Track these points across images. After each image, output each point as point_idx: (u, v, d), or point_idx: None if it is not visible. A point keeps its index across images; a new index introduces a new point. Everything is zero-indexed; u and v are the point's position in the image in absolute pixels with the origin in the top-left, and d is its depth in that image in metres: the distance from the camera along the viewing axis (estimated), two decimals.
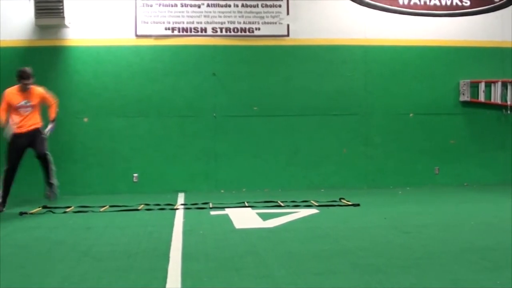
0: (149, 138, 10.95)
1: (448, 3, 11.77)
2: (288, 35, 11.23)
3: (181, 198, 9.82)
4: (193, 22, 11.04)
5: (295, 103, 11.25)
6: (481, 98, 11.68)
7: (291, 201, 9.02)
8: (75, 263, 4.95)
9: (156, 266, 4.81)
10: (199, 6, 11.04)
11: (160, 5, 10.94)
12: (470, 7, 11.84)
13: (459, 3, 11.80)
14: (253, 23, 11.16)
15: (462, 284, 4.18)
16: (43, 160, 8.88)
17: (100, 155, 10.82)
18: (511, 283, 4.17)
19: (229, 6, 11.12)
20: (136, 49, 10.92)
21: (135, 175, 10.88)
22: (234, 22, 11.13)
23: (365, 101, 11.47)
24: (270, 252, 5.32)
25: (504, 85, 11.76)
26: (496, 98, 11.74)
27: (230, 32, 11.12)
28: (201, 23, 11.05)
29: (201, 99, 11.05)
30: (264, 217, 7.53)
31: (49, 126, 9.01)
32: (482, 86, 11.68)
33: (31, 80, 8.77)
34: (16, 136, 8.65)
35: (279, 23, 11.21)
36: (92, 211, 8.32)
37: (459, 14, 11.82)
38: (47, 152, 8.90)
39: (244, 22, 11.15)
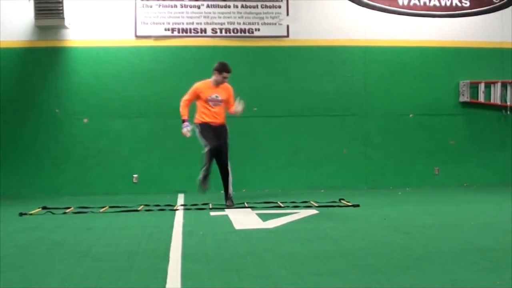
0: (149, 139, 10.96)
1: (448, 3, 11.78)
2: (287, 35, 11.24)
3: (181, 199, 9.82)
4: (192, 23, 11.05)
5: (295, 103, 11.26)
6: (481, 98, 11.69)
7: (291, 202, 9.02)
8: (75, 264, 4.94)
9: (156, 266, 4.81)
10: (198, 7, 11.05)
11: (159, 6, 10.96)
12: (470, 7, 11.85)
13: (459, 4, 11.81)
14: (252, 23, 11.17)
15: (462, 284, 4.18)
16: (223, 171, 9.00)
17: (100, 156, 10.83)
18: (511, 284, 4.16)
19: (229, 7, 11.13)
20: (136, 50, 10.93)
21: (135, 175, 10.89)
22: (233, 23, 11.14)
23: (365, 102, 11.48)
24: (270, 253, 5.32)
25: (504, 85, 11.77)
26: (495, 98, 11.75)
27: (229, 32, 11.13)
28: (200, 23, 11.07)
29: None
30: (264, 217, 7.53)
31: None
32: (481, 87, 11.69)
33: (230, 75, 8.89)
34: (206, 125, 8.83)
35: (279, 23, 11.22)
36: (92, 212, 8.32)
37: (458, 15, 11.84)
38: (228, 162, 8.98)
39: (243, 23, 11.16)
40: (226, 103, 9.04)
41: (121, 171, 10.88)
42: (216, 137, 8.80)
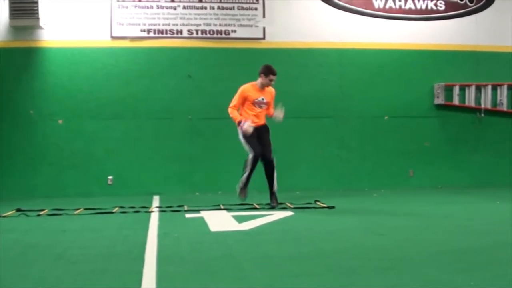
0: (124, 141, 10.91)
1: (423, 7, 11.87)
2: (264, 38, 11.26)
3: (156, 201, 9.78)
4: (168, 24, 11.01)
5: None
6: (455, 101, 11.79)
7: (266, 204, 9.02)
8: (49, 266, 4.91)
9: (131, 269, 4.78)
10: (175, 8, 11.02)
11: (135, 6, 10.91)
12: (445, 11, 11.96)
13: (434, 7, 11.91)
14: (229, 25, 11.17)
15: (436, 285, 4.21)
16: (268, 166, 8.96)
17: (75, 158, 10.75)
18: (484, 284, 4.21)
19: (205, 8, 11.11)
20: (111, 51, 10.87)
21: (110, 177, 10.83)
22: (210, 24, 11.13)
23: (340, 104, 11.53)
24: (245, 255, 5.32)
25: (478, 88, 11.89)
26: (470, 101, 11.87)
27: (206, 34, 11.11)
28: (177, 25, 11.04)
29: (177, 101, 11.03)
30: (240, 219, 7.52)
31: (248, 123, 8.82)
32: (456, 90, 11.79)
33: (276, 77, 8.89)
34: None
35: (255, 25, 11.23)
36: (67, 214, 8.26)
37: (434, 18, 11.94)
38: (274, 158, 8.96)
39: (220, 24, 11.16)
40: (268, 105, 9.07)
41: (96, 173, 10.82)
42: (259, 141, 8.87)
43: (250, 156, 8.83)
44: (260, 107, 8.96)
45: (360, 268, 4.75)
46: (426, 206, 8.94)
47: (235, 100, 8.94)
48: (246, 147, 8.87)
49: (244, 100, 8.93)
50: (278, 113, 8.98)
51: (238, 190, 8.95)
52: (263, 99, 8.94)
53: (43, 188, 10.56)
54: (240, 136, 8.87)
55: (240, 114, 8.89)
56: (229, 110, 8.94)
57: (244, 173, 8.90)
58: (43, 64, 10.72)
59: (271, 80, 8.87)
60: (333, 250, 5.52)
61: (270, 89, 9.07)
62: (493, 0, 12.13)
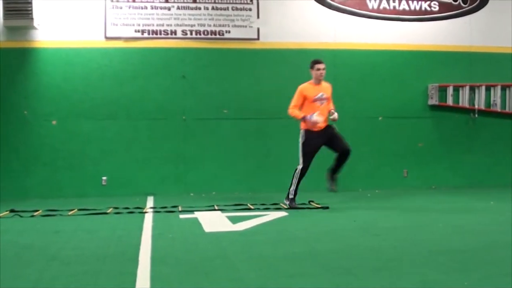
0: (118, 141, 10.89)
1: (417, 8, 11.89)
2: (258, 38, 11.25)
3: (150, 201, 9.77)
4: (163, 25, 11.00)
5: (266, 106, 11.26)
6: (449, 102, 11.81)
7: (261, 204, 9.03)
8: (43, 267, 4.89)
9: (125, 270, 4.78)
10: (169, 9, 11.01)
11: (130, 7, 10.89)
12: (439, 12, 11.97)
13: (428, 8, 11.93)
14: (223, 26, 11.16)
15: (431, 285, 4.22)
16: (345, 156, 9.05)
17: (69, 158, 10.72)
18: (479, 284, 4.22)
19: (199, 8, 11.10)
20: (105, 51, 10.84)
21: (104, 178, 10.81)
22: (204, 25, 11.12)
23: (335, 104, 11.49)
24: (240, 255, 5.32)
25: (472, 89, 11.91)
26: (464, 102, 11.88)
27: (200, 34, 11.10)
28: (171, 25, 11.02)
29: (171, 101, 11.02)
30: (234, 220, 7.52)
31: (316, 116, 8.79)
32: (450, 90, 11.81)
33: (324, 66, 8.97)
34: (312, 134, 8.83)
35: (249, 26, 11.22)
36: (61, 215, 8.24)
37: (428, 19, 11.95)
38: (350, 148, 9.05)
39: (214, 25, 11.14)
40: (328, 100, 9.11)
41: (90, 174, 10.79)
42: (315, 153, 9.00)
43: (299, 167, 8.95)
44: (322, 103, 8.93)
45: (355, 268, 4.76)
46: (420, 207, 8.96)
47: (294, 101, 8.97)
48: (299, 155, 8.96)
49: (303, 99, 8.93)
50: (332, 113, 8.98)
51: (287, 202, 8.95)
52: (322, 94, 8.95)
53: (37, 188, 10.53)
54: (301, 140, 8.96)
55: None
56: (289, 111, 8.98)
57: (291, 186, 8.96)
58: (37, 65, 10.69)
59: (318, 70, 8.90)
60: (328, 250, 5.52)
61: (327, 84, 9.12)
62: (487, 1, 12.16)
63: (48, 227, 7.21)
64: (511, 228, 6.84)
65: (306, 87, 8.97)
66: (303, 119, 8.78)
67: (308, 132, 8.85)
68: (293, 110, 8.92)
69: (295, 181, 8.92)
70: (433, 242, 5.95)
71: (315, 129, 8.78)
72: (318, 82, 8.97)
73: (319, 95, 8.91)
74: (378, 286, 4.23)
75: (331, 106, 9.11)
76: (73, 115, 10.75)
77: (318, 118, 8.66)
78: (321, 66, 8.91)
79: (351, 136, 11.45)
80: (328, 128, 9.00)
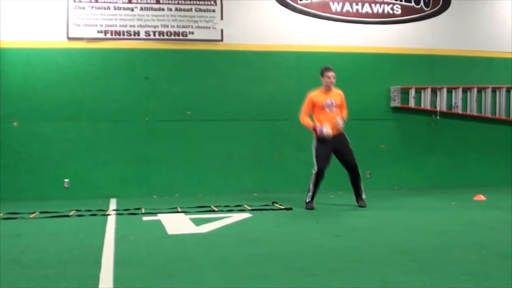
0: (81, 143, 10.79)
1: (380, 11, 12.00)
2: (221, 40, 11.25)
3: (113, 204, 9.71)
4: (126, 25, 10.94)
5: (228, 108, 11.28)
6: (412, 104, 11.95)
7: (225, 206, 9.03)
8: (3, 272, 4.83)
9: (88, 273, 4.74)
10: (132, 9, 10.95)
11: (92, 7, 10.80)
12: (401, 15, 12.10)
13: (391, 11, 12.05)
14: (186, 27, 11.14)
15: (392, 285, 4.27)
16: (354, 173, 9.12)
17: (30, 160, 10.60)
18: (440, 284, 4.27)
19: (163, 9, 11.07)
20: (67, 52, 10.74)
21: (66, 180, 10.70)
22: (167, 26, 11.09)
23: (298, 107, 11.48)
24: (203, 258, 5.31)
25: (434, 91, 12.07)
26: (425, 104, 12.04)
27: (163, 35, 11.07)
28: (134, 26, 10.97)
29: (134, 103, 10.96)
30: (197, 222, 7.51)
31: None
32: (412, 92, 11.95)
33: (333, 73, 9.01)
34: (324, 140, 8.89)
35: (213, 27, 11.22)
36: (22, 218, 8.13)
37: (390, 22, 12.08)
38: (357, 164, 9.09)
39: (177, 26, 11.11)
40: (340, 107, 9.14)
41: (51, 176, 10.68)
42: (340, 152, 9.07)
43: (314, 171, 9.03)
44: (331, 110, 8.98)
45: (317, 269, 4.79)
46: (381, 208, 9.04)
47: (304, 107, 9.09)
48: (313, 160, 9.05)
49: (313, 106, 9.02)
50: (339, 121, 8.99)
51: (305, 204, 9.06)
52: (331, 101, 9.00)
53: None
54: (314, 145, 9.06)
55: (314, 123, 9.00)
56: (300, 118, 9.12)
57: (308, 191, 9.10)
58: None
59: (328, 78, 8.97)
60: (290, 252, 5.55)
61: (338, 92, 9.17)
62: (449, 5, 12.33)
63: (8, 230, 7.10)
64: (471, 228, 6.97)
65: (315, 94, 9.07)
66: (314, 130, 8.91)
67: (319, 139, 8.99)
68: (304, 118, 9.08)
69: (311, 186, 9.09)
70: (394, 243, 6.01)
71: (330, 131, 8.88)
72: (328, 89, 9.05)
73: (328, 101, 8.98)
74: (339, 286, 4.26)
75: (344, 113, 9.21)
76: (34, 116, 10.62)
77: (329, 132, 8.76)
78: (331, 74, 8.99)
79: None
80: (341, 136, 9.07)
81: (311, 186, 9.08)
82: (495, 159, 12.46)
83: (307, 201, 9.05)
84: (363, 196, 9.19)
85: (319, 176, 9.03)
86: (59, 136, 10.72)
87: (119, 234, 6.67)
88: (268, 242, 6.13)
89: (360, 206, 9.05)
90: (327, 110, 8.98)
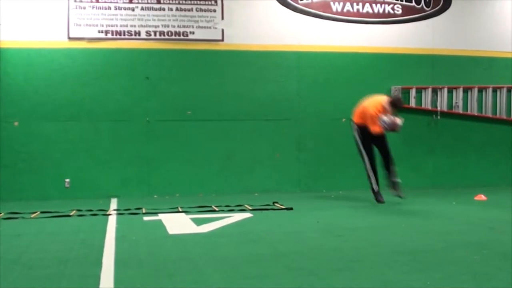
0: (81, 143, 10.80)
1: (381, 11, 12.00)
2: (222, 39, 11.25)
3: (113, 204, 9.71)
4: (126, 25, 10.94)
5: (229, 107, 11.28)
6: (412, 103, 11.95)
7: (225, 206, 9.02)
8: (4, 272, 4.82)
9: (88, 273, 4.74)
10: (133, 9, 10.95)
11: (93, 7, 10.81)
12: (402, 15, 12.10)
13: (391, 11, 12.05)
14: (187, 27, 11.14)
15: (393, 285, 4.26)
16: (386, 158, 9.47)
17: (31, 160, 10.60)
18: (440, 284, 4.27)
19: (163, 9, 11.07)
20: (68, 52, 10.75)
21: (67, 180, 10.71)
22: (168, 26, 11.09)
23: (298, 106, 11.59)
24: (203, 257, 5.31)
25: (435, 91, 12.07)
26: (426, 104, 12.04)
27: (164, 35, 11.07)
28: (134, 26, 10.97)
29: (134, 103, 10.97)
30: (198, 222, 7.50)
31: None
32: (413, 92, 11.96)
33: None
34: (361, 129, 9.39)
35: (214, 27, 11.22)
36: (23, 218, 8.13)
37: (391, 22, 12.08)
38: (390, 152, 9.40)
39: (178, 26, 11.12)
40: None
41: (52, 176, 10.68)
42: (372, 147, 9.52)
43: (367, 165, 9.46)
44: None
45: (317, 269, 4.78)
46: (383, 207, 9.04)
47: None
48: (359, 151, 9.51)
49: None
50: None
51: (373, 195, 9.48)
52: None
53: None
54: (356, 136, 9.52)
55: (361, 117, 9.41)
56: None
57: (371, 184, 9.46)
58: None
59: (393, 112, 9.19)
60: (291, 251, 5.54)
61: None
62: (449, 5, 12.33)
63: (9, 230, 7.10)
64: (471, 228, 6.96)
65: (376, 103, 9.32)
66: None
67: (360, 128, 9.41)
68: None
69: (370, 174, 9.48)
70: (395, 243, 6.01)
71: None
72: (385, 110, 9.16)
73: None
74: (340, 286, 4.25)
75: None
76: (35, 116, 10.63)
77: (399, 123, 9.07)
78: (395, 111, 9.24)
79: (314, 137, 11.57)
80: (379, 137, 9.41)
81: (371, 174, 9.43)
82: (496, 159, 12.46)
83: (375, 190, 9.42)
84: (396, 180, 9.50)
85: (371, 163, 9.43)
86: (60, 136, 10.72)
87: (120, 234, 6.66)
88: (269, 242, 6.13)
89: (397, 195, 9.41)
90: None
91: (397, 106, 9.20)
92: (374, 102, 9.35)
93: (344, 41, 11.84)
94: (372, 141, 9.44)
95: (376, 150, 9.60)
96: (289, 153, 11.59)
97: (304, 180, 11.62)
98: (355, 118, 9.60)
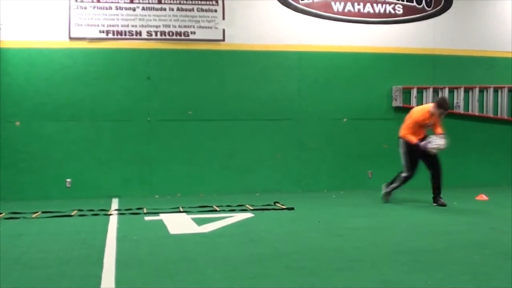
0: (82, 143, 10.80)
1: (382, 11, 12.00)
2: (223, 39, 11.25)
3: (115, 204, 9.71)
4: (127, 25, 10.94)
5: (230, 107, 11.28)
6: (413, 103, 11.93)
7: (226, 206, 9.03)
8: (5, 272, 4.83)
9: (90, 273, 4.74)
10: (134, 9, 10.96)
11: (94, 7, 10.81)
12: (403, 15, 12.10)
13: (392, 11, 12.05)
14: (188, 27, 11.14)
15: (393, 285, 4.27)
16: (436, 175, 9.26)
17: (32, 160, 10.60)
18: (441, 284, 4.28)
19: (165, 9, 11.07)
20: (69, 52, 10.75)
21: (68, 180, 10.71)
22: (169, 26, 11.09)
23: (299, 106, 11.59)
24: (204, 257, 5.31)
25: (436, 91, 12.06)
26: (427, 103, 12.01)
27: (165, 35, 11.07)
28: (136, 26, 10.97)
29: (135, 103, 10.96)
30: (199, 222, 7.51)
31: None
32: (414, 92, 11.95)
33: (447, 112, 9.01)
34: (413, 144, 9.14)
35: (215, 27, 11.22)
36: (24, 218, 8.13)
37: (392, 22, 12.08)
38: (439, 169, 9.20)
39: (179, 26, 11.11)
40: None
41: (54, 176, 10.68)
42: (417, 162, 9.27)
43: (403, 175, 9.31)
44: (427, 128, 9.25)
45: (318, 268, 4.79)
46: (383, 207, 9.04)
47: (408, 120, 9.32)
48: (403, 164, 9.31)
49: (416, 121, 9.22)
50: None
51: (382, 195, 9.50)
52: (429, 125, 9.21)
53: (0, 191, 10.37)
54: (402, 151, 9.30)
55: (409, 132, 9.22)
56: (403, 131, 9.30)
57: (392, 183, 9.45)
58: None
59: (441, 114, 9.05)
60: (292, 251, 5.55)
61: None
62: (450, 5, 12.33)
63: (10, 230, 7.11)
64: (472, 228, 6.96)
65: (418, 114, 9.23)
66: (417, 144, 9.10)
67: (409, 144, 9.21)
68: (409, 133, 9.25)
69: (395, 184, 9.44)
70: (395, 242, 6.02)
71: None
72: (432, 116, 9.08)
73: (430, 123, 9.16)
74: (341, 286, 4.26)
75: (439, 130, 9.26)
76: (36, 116, 10.63)
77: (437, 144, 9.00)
78: (446, 113, 9.12)
79: (315, 137, 11.57)
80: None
81: (396, 185, 9.41)
82: (497, 159, 12.45)
83: (388, 191, 9.44)
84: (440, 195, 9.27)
85: (407, 180, 9.34)
86: (61, 136, 10.72)
87: (121, 234, 6.67)
88: (270, 242, 6.13)
89: (440, 204, 9.11)
90: (424, 129, 9.29)
91: (442, 106, 9.01)
92: (421, 110, 9.31)
93: (345, 41, 11.84)
94: (420, 157, 9.27)
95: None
96: (290, 153, 11.59)
97: (305, 180, 11.62)
98: (401, 132, 9.41)
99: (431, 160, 9.17)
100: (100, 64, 10.88)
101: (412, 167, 9.25)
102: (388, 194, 9.49)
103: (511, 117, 12.49)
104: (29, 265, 5.08)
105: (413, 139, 9.09)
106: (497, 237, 6.31)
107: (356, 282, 4.37)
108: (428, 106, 9.33)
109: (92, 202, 9.69)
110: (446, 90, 12.08)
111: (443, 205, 9.02)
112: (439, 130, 9.21)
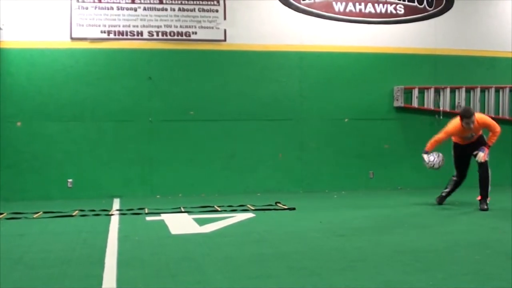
0: (84, 143, 10.80)
1: (383, 10, 12.00)
2: (225, 40, 11.25)
3: (116, 204, 9.71)
4: (129, 26, 10.95)
5: (231, 108, 11.28)
6: (415, 103, 11.95)
7: (228, 206, 9.03)
8: (7, 271, 4.83)
9: (91, 273, 4.75)
10: (135, 10, 10.96)
11: (96, 8, 10.82)
12: (404, 15, 12.10)
13: (394, 11, 12.05)
14: (190, 27, 11.14)
15: (395, 285, 4.27)
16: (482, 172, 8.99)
17: (34, 160, 10.61)
18: (443, 284, 4.27)
19: (166, 9, 11.07)
20: (71, 52, 10.75)
21: (70, 180, 10.71)
22: (170, 26, 11.09)
23: (300, 106, 11.59)
24: (206, 258, 5.32)
25: (437, 91, 12.06)
26: (429, 104, 12.04)
27: (166, 36, 11.07)
28: (137, 26, 10.98)
29: (137, 103, 10.97)
30: (201, 222, 7.51)
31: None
32: (415, 92, 11.94)
33: (472, 118, 8.53)
34: (458, 146, 9.11)
35: (216, 27, 11.22)
36: (26, 218, 8.14)
37: (393, 22, 12.08)
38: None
39: (180, 26, 11.12)
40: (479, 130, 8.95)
41: (55, 176, 10.69)
42: (466, 162, 9.16)
43: (455, 178, 9.26)
44: (470, 140, 8.95)
45: (320, 269, 4.79)
46: (385, 207, 9.04)
47: (441, 133, 9.07)
48: (455, 166, 9.25)
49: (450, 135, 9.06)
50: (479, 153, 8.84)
51: (438, 198, 9.37)
52: (472, 135, 8.85)
53: (1, 191, 10.38)
54: (453, 153, 9.22)
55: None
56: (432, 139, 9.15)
57: (446, 188, 9.33)
58: (0, 65, 10.55)
59: (467, 124, 8.56)
60: (293, 251, 5.55)
61: (480, 120, 8.73)
62: (452, 5, 12.33)
63: (12, 230, 7.12)
64: (474, 228, 6.97)
65: (454, 131, 8.91)
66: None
67: (455, 145, 9.17)
68: (432, 142, 9.07)
69: (449, 188, 9.32)
70: (397, 243, 6.01)
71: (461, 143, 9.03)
72: (467, 127, 8.69)
73: (468, 136, 8.89)
74: (343, 286, 4.26)
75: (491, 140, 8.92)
76: (37, 116, 10.64)
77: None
78: (470, 120, 8.56)
79: (317, 137, 11.57)
80: (477, 144, 8.89)
81: (450, 188, 9.31)
82: (498, 159, 12.38)
83: (443, 195, 9.32)
84: (483, 197, 8.94)
85: (458, 183, 9.27)
86: (63, 136, 10.73)
87: (123, 234, 6.67)
88: (271, 242, 6.13)
89: (483, 209, 8.75)
90: (464, 140, 9.02)
91: (464, 116, 8.57)
92: (454, 122, 8.92)
93: (346, 41, 11.84)
94: (465, 160, 9.16)
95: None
96: (291, 153, 11.59)
97: (307, 180, 11.62)
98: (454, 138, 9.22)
99: (466, 165, 9.20)
100: (102, 64, 10.88)
101: (459, 170, 9.20)
102: (441, 198, 9.33)
103: None
104: (31, 265, 5.09)
105: (428, 145, 9.06)
106: (498, 237, 6.32)
107: (358, 282, 4.37)
108: (457, 120, 8.89)
109: (94, 202, 9.70)
110: (448, 90, 12.08)
111: (483, 209, 8.79)
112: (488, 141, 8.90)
